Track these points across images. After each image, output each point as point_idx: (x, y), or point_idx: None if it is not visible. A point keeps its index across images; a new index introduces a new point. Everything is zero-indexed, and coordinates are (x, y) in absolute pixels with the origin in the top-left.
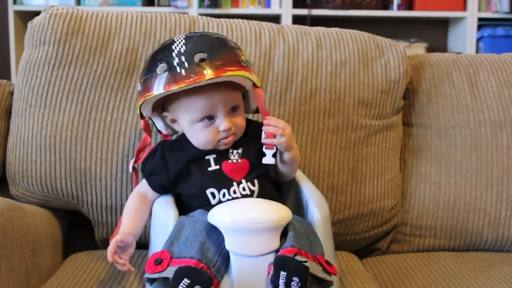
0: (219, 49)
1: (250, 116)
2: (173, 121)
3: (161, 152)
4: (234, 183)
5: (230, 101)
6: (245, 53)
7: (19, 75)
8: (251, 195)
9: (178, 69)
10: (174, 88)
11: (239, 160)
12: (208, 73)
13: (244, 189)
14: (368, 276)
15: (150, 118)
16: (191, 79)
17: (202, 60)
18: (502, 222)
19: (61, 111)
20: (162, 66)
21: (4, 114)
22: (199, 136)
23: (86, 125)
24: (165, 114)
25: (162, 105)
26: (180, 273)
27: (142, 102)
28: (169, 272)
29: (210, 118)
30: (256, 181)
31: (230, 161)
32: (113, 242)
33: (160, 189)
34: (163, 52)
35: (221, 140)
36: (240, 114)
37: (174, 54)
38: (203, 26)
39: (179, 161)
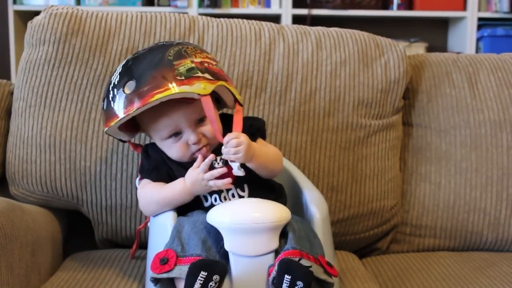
0: (148, 71)
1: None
2: (150, 137)
3: (152, 148)
4: (224, 189)
5: (193, 114)
6: (195, 59)
7: (19, 75)
8: None
9: (112, 104)
10: (113, 124)
11: (224, 167)
12: (136, 103)
13: (233, 195)
14: (368, 276)
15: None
16: (123, 113)
17: (132, 88)
18: (502, 222)
19: (61, 111)
20: (105, 102)
21: (4, 114)
22: (172, 152)
23: (86, 125)
24: (141, 131)
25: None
26: (195, 268)
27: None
28: (178, 272)
29: (178, 133)
30: (246, 186)
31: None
32: (205, 162)
33: (167, 177)
34: (107, 86)
35: (195, 153)
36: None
37: (110, 87)
38: (203, 26)
39: (167, 168)
